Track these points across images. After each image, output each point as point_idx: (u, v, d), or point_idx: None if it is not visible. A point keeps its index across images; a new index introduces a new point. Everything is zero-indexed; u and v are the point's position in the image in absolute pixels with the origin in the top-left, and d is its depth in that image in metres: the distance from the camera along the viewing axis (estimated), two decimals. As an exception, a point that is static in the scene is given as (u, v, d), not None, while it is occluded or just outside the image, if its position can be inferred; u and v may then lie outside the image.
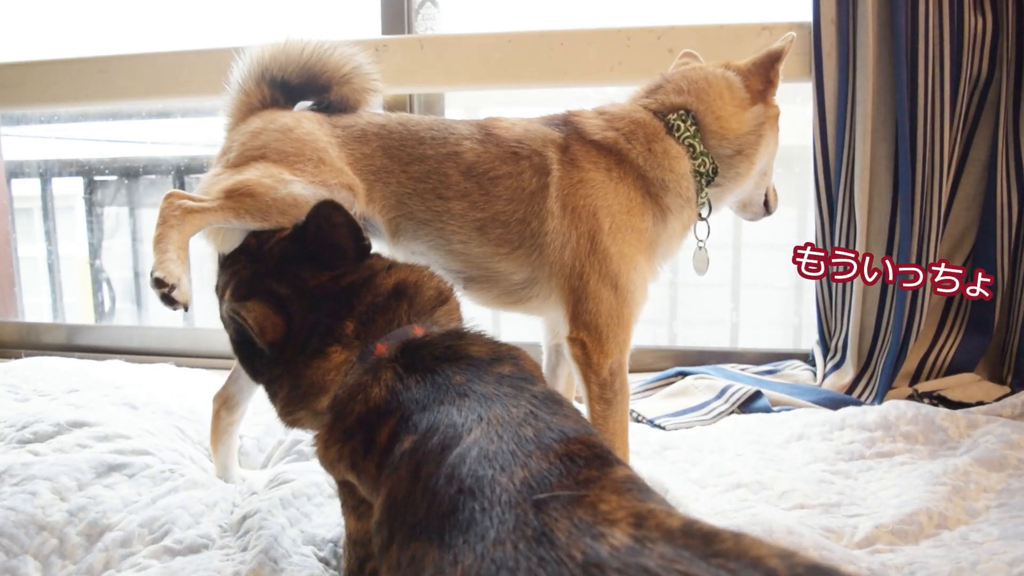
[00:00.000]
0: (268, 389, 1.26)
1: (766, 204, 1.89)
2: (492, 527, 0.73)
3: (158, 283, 1.37)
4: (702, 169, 1.68)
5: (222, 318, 1.32)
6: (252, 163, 1.58)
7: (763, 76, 1.74)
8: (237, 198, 1.48)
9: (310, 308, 1.20)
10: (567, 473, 0.79)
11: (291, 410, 1.22)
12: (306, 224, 1.27)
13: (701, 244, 1.80)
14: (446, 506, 0.80)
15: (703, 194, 1.70)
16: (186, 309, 1.40)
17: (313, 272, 1.24)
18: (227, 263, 1.37)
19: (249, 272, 1.29)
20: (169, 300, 1.38)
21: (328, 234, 1.25)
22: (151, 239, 1.44)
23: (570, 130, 1.68)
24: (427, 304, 1.23)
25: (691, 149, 1.67)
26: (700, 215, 1.75)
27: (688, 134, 1.67)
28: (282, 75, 1.76)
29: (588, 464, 0.81)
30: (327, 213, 1.26)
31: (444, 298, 1.26)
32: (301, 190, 1.51)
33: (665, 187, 1.65)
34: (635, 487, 0.78)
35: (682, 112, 1.69)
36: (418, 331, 1.16)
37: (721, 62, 1.78)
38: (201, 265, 1.51)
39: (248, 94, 1.75)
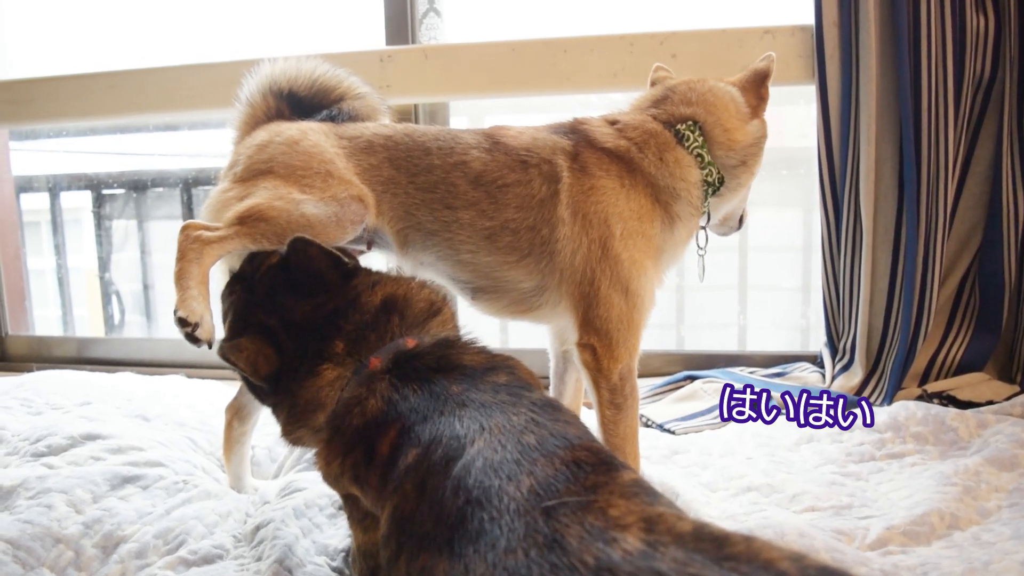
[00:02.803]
0: (273, 412, 1.30)
1: (739, 219, 1.93)
2: (502, 536, 0.74)
3: (181, 322, 1.41)
4: (709, 179, 1.70)
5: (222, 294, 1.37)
6: (260, 178, 1.59)
7: (755, 92, 1.77)
8: (251, 223, 1.50)
9: (298, 338, 1.22)
10: (574, 479, 0.80)
11: (291, 429, 1.24)
12: (287, 257, 1.30)
13: (702, 252, 1.82)
14: (454, 517, 0.80)
15: (706, 203, 1.72)
16: (210, 346, 1.42)
17: (297, 302, 1.26)
18: (226, 292, 1.41)
19: (243, 303, 1.32)
20: (193, 339, 1.41)
21: (307, 266, 1.28)
22: (173, 274, 1.46)
23: (579, 138, 1.69)
24: (419, 316, 1.24)
25: (699, 159, 1.69)
26: (700, 224, 1.77)
27: (697, 144, 1.69)
28: (290, 87, 1.78)
29: (595, 469, 0.82)
30: (301, 248, 1.28)
31: (436, 309, 1.27)
32: (313, 209, 1.52)
33: (676, 195, 1.67)
34: (642, 491, 0.78)
35: (690, 123, 1.71)
36: (410, 343, 1.17)
37: (713, 77, 1.81)
38: (212, 277, 1.52)
39: (254, 106, 1.77)
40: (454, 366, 1.10)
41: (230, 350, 1.20)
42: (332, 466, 1.11)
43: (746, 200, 1.90)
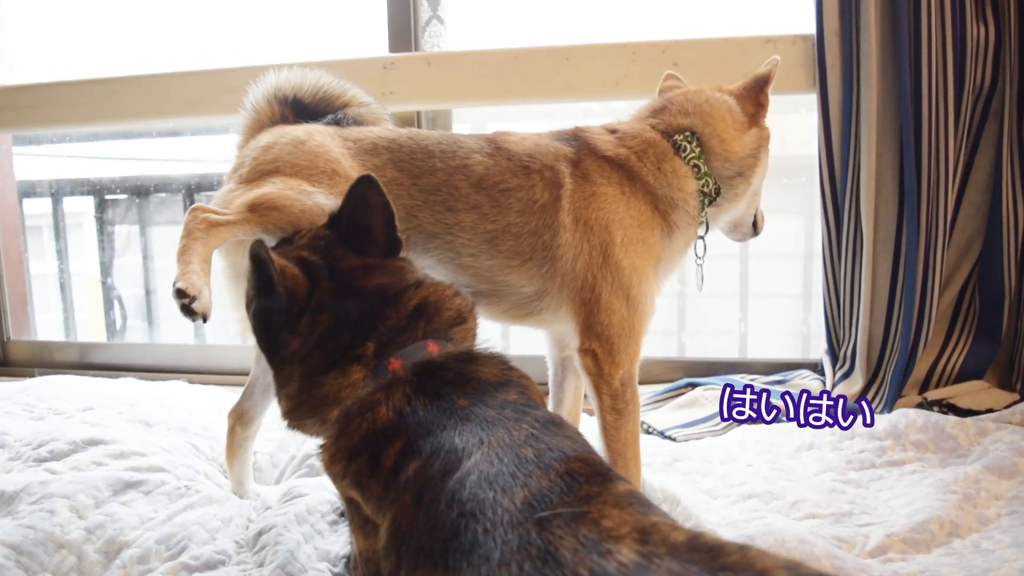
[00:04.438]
0: (278, 376, 1.24)
1: (754, 225, 1.94)
2: (496, 548, 0.74)
3: (179, 293, 1.38)
4: (705, 189, 1.72)
5: (247, 293, 1.28)
6: (266, 177, 1.59)
7: (754, 99, 1.78)
8: (262, 211, 1.49)
9: (337, 291, 1.19)
10: (568, 490, 0.80)
11: (299, 415, 1.21)
12: (343, 205, 1.27)
13: (700, 262, 1.83)
14: (448, 530, 0.80)
15: (703, 213, 1.73)
16: (205, 320, 1.41)
17: (346, 253, 1.23)
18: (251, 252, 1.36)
19: (279, 251, 1.27)
20: (189, 311, 1.38)
21: (364, 214, 1.25)
22: (175, 251, 1.44)
23: (580, 145, 1.71)
24: (444, 324, 1.23)
25: (696, 169, 1.70)
26: (698, 234, 1.78)
27: (694, 155, 1.71)
28: (295, 94, 1.80)
29: (588, 480, 0.82)
30: (363, 190, 1.25)
31: (462, 319, 1.26)
32: (325, 200, 1.52)
33: (674, 205, 1.69)
34: (636, 501, 0.78)
35: (687, 134, 1.73)
36: (432, 348, 1.16)
37: (714, 86, 1.82)
38: (214, 281, 1.52)
39: (258, 112, 1.79)
40: (468, 379, 1.10)
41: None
42: (336, 467, 1.10)
43: (756, 206, 1.90)
